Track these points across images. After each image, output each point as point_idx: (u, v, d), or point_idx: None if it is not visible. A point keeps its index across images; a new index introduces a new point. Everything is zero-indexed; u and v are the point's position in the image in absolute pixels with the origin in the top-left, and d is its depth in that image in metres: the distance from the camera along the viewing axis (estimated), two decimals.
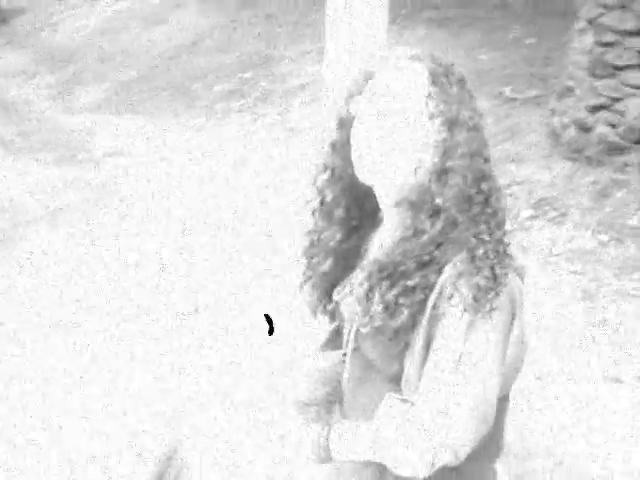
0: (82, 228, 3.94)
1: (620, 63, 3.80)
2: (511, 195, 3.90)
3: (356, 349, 1.25)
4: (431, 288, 1.07)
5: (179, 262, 3.56)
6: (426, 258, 1.08)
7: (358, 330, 1.21)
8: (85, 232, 3.88)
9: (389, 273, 1.10)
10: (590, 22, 3.93)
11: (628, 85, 3.80)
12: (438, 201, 1.08)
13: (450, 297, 1.06)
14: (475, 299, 1.04)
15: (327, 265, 1.25)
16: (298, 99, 6.07)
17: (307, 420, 1.27)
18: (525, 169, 4.16)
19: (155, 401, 2.39)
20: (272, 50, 7.35)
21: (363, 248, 1.26)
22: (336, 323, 1.36)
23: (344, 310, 1.28)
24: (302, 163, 4.97)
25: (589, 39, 3.92)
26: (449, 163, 1.08)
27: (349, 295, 1.24)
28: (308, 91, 6.14)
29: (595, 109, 3.95)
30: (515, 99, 5.28)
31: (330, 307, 1.33)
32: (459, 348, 1.05)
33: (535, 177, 4.07)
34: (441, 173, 1.09)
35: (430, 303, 1.07)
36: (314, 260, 1.26)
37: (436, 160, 1.09)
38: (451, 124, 1.09)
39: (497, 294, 1.05)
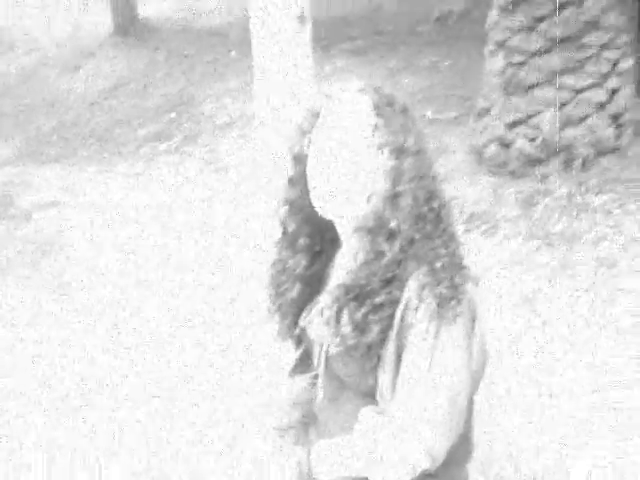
0: (24, 282, 3.86)
1: (531, 81, 4.03)
2: None
3: (328, 370, 1.30)
4: (397, 302, 1.14)
5: (123, 304, 3.53)
6: (389, 276, 1.15)
7: (328, 351, 1.26)
8: (28, 284, 3.81)
9: (356, 294, 1.16)
10: (499, 45, 4.16)
11: (540, 101, 4.03)
12: (393, 224, 1.15)
13: (416, 308, 1.12)
14: (439, 307, 1.11)
15: (295, 292, 1.30)
16: (226, 137, 6.12)
17: (287, 444, 1.31)
18: (454, 187, 4.33)
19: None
20: (194, 90, 7.39)
21: (326, 272, 1.32)
22: (302, 348, 1.41)
23: (312, 333, 1.33)
24: (233, 198, 5.01)
25: (500, 61, 4.15)
26: (399, 188, 1.16)
27: (317, 318, 1.29)
28: (236, 128, 6.20)
29: (512, 125, 4.17)
30: (438, 120, 5.49)
31: (297, 332, 1.38)
32: (429, 356, 1.11)
33: (464, 194, 4.24)
34: (393, 198, 1.16)
35: (397, 316, 1.14)
36: (281, 289, 1.31)
37: (387, 187, 1.16)
38: (398, 152, 1.17)
39: (459, 302, 1.13)
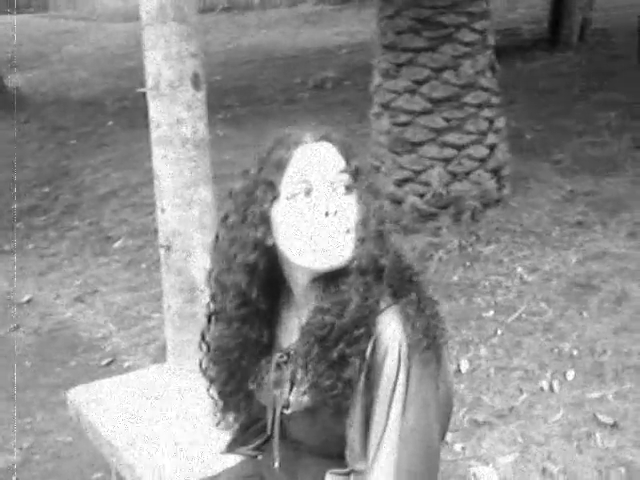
0: None
1: (416, 139, 4.21)
2: None
3: (283, 436, 1.22)
4: (370, 335, 1.09)
5: None
6: (367, 313, 1.10)
7: (283, 414, 1.19)
8: None
9: (328, 336, 1.11)
10: (384, 106, 4.33)
11: (427, 158, 4.21)
12: (383, 262, 1.11)
13: (385, 352, 1.08)
14: (410, 349, 1.08)
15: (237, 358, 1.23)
16: (109, 207, 5.90)
17: None
18: None
19: None
20: (71, 161, 7.13)
21: (266, 335, 1.24)
22: (241, 421, 1.33)
23: (264, 398, 1.25)
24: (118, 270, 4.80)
25: (386, 121, 4.31)
26: (382, 227, 1.13)
27: (271, 379, 1.22)
28: (119, 197, 6.00)
29: (402, 182, 4.31)
30: None
31: (238, 400, 1.29)
32: (400, 403, 1.06)
33: None
34: (379, 237, 1.13)
35: (368, 352, 1.09)
36: (224, 357, 1.23)
37: (374, 227, 1.14)
38: (375, 193, 1.17)
39: (429, 346, 1.09)
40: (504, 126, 4.43)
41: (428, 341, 1.09)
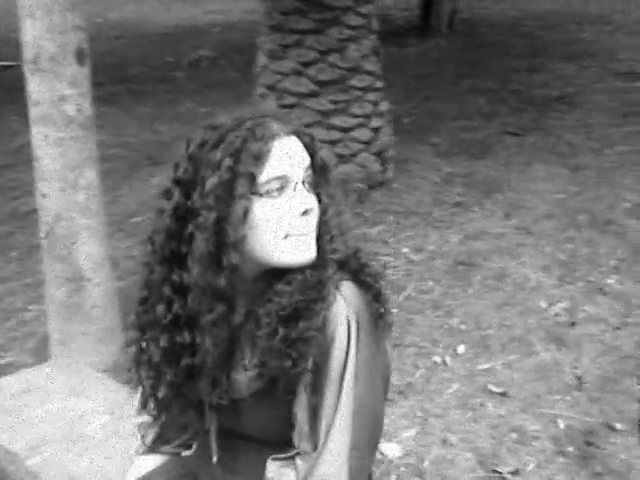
0: None
1: (303, 122, 4.19)
2: None
3: (219, 428, 1.19)
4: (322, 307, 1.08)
5: None
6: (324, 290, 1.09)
7: (220, 406, 1.16)
8: None
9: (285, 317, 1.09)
10: (270, 88, 4.29)
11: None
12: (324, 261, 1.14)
13: (335, 329, 1.07)
14: (360, 320, 1.08)
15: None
16: None
17: None
18: None
19: None
20: None
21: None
22: (163, 418, 1.28)
23: (194, 392, 1.19)
24: None
25: (272, 102, 4.28)
26: (335, 229, 1.17)
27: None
28: None
29: None
30: None
31: (162, 396, 1.23)
32: (352, 378, 1.06)
33: None
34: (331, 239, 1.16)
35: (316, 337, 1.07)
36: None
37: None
38: (331, 190, 1.19)
39: (377, 320, 1.10)
40: (387, 110, 4.54)
41: (377, 315, 1.10)
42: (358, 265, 1.14)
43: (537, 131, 5.51)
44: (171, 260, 1.11)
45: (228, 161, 1.07)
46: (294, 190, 1.09)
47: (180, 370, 1.15)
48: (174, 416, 1.26)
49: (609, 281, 3.39)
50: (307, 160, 1.12)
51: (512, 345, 2.92)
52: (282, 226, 1.09)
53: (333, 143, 4.22)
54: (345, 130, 4.25)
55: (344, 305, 1.08)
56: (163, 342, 1.13)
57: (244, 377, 1.13)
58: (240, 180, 1.07)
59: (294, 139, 1.12)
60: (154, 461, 1.32)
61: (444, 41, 8.66)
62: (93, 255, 2.91)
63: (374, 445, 1.10)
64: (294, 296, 1.08)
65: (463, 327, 3.08)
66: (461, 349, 2.91)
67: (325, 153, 1.17)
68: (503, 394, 2.61)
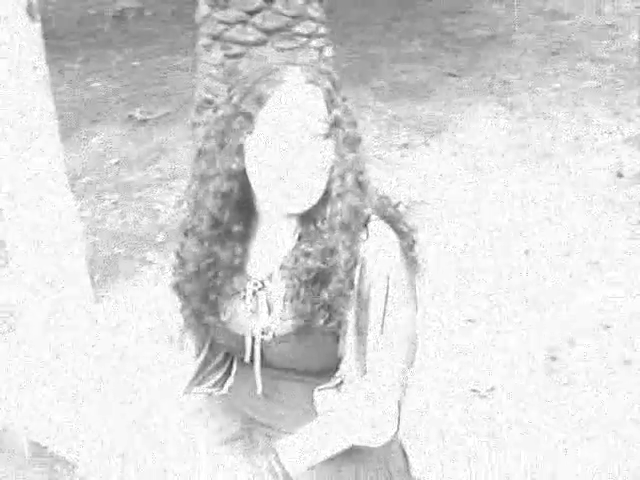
0: None
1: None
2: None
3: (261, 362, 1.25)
4: (355, 262, 1.15)
5: None
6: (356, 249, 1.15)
7: (263, 340, 1.22)
8: None
9: (310, 280, 1.15)
10: (215, 37, 4.23)
11: None
12: (367, 211, 1.18)
13: (372, 283, 1.14)
14: (400, 256, 1.15)
15: (230, 283, 1.23)
16: None
17: (242, 456, 1.24)
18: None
19: None
20: None
21: (237, 258, 1.24)
22: (206, 352, 1.34)
23: (236, 326, 1.25)
24: None
25: (218, 53, 4.23)
26: (362, 177, 1.19)
27: (245, 307, 1.24)
28: None
29: None
30: (146, 120, 5.39)
31: (206, 329, 1.30)
32: (393, 309, 1.15)
33: None
34: (362, 187, 1.19)
35: (355, 279, 1.15)
36: (210, 284, 1.23)
37: (354, 178, 1.18)
38: (354, 144, 1.18)
39: (411, 247, 1.19)
40: (332, 55, 4.55)
41: (412, 262, 1.18)
42: (395, 213, 1.21)
43: (473, 71, 5.66)
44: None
45: (236, 98, 1.16)
46: (293, 137, 1.12)
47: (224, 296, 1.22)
48: (215, 352, 1.33)
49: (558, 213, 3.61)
50: (322, 112, 1.14)
51: None
52: (273, 169, 1.13)
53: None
54: None
55: (382, 255, 1.15)
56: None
57: (275, 318, 1.20)
58: (238, 117, 1.14)
59: (310, 87, 1.14)
60: (192, 402, 1.38)
61: None
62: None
63: (411, 365, 1.19)
64: (316, 261, 1.14)
65: None
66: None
67: (341, 111, 1.16)
68: None
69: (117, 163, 4.69)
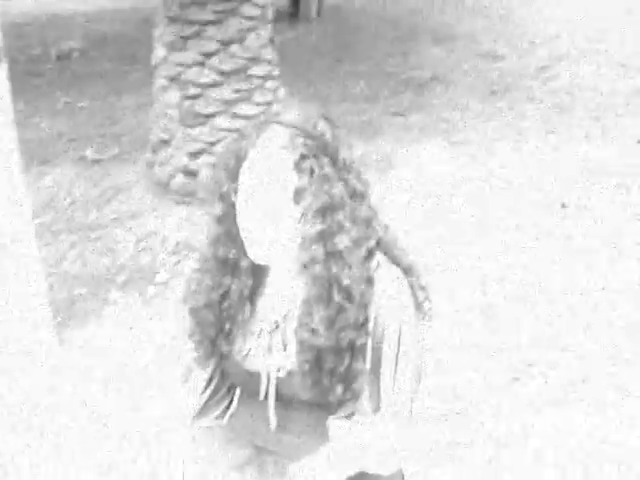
0: None
1: (208, 112, 4.29)
2: (148, 249, 4.04)
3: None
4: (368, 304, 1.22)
5: None
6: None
7: (278, 378, 1.28)
8: None
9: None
10: (172, 79, 4.32)
11: (220, 129, 4.31)
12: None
13: (385, 325, 1.22)
14: (410, 312, 1.24)
15: (244, 314, 1.29)
16: None
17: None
18: (147, 222, 4.34)
19: None
20: None
21: (247, 291, 1.30)
22: (214, 383, 1.39)
23: (252, 363, 1.31)
24: None
25: (175, 94, 4.31)
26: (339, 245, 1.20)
27: (262, 344, 1.30)
28: None
29: (195, 155, 4.37)
30: (99, 160, 5.38)
31: (215, 365, 1.35)
32: (404, 357, 1.24)
33: (159, 227, 4.29)
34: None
35: (372, 315, 1.22)
36: (224, 314, 1.28)
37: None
38: (323, 212, 1.18)
39: (428, 299, 1.28)
40: (285, 96, 4.70)
41: (417, 304, 1.26)
42: (392, 243, 1.28)
43: (418, 110, 5.90)
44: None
45: (233, 163, 1.24)
46: (252, 194, 1.19)
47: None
48: (220, 386, 1.38)
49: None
50: (285, 178, 1.16)
51: None
52: (240, 224, 1.22)
53: (238, 132, 4.32)
54: (249, 118, 4.36)
55: (392, 307, 1.22)
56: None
57: (288, 355, 1.26)
58: (227, 180, 1.25)
59: (277, 155, 1.17)
60: (199, 433, 1.41)
61: (315, 27, 8.91)
62: None
63: (417, 391, 1.28)
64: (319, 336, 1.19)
65: None
66: None
67: (307, 181, 1.17)
68: None
69: (72, 204, 4.66)
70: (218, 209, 1.25)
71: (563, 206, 4.17)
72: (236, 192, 1.21)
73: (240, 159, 1.21)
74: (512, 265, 3.56)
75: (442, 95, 6.25)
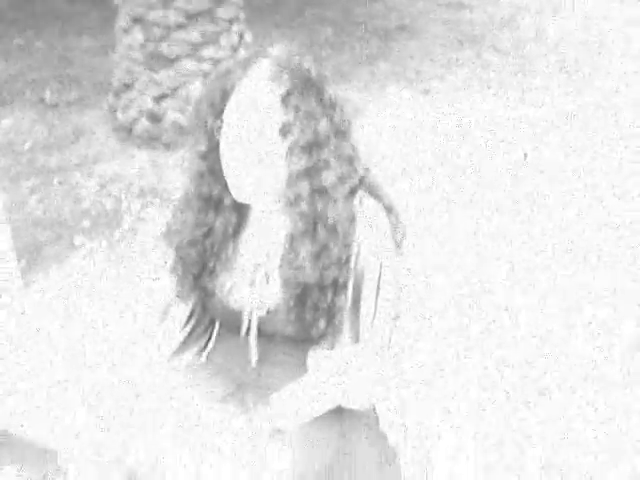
0: None
1: (173, 55, 4.18)
2: (113, 194, 3.97)
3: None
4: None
5: None
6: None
7: (259, 315, 1.30)
8: None
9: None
10: (135, 20, 4.19)
11: (184, 73, 4.22)
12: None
13: (366, 256, 1.24)
14: (390, 249, 1.26)
15: (228, 252, 1.29)
16: None
17: (235, 414, 1.31)
18: (110, 167, 4.26)
19: None
20: None
21: (231, 227, 1.30)
22: (194, 318, 1.40)
23: (234, 300, 1.32)
24: None
25: (139, 35, 4.19)
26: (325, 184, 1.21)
27: (246, 282, 1.30)
28: None
29: (160, 99, 4.27)
30: (58, 103, 5.23)
31: (197, 300, 1.36)
32: (384, 282, 1.26)
33: (124, 172, 4.21)
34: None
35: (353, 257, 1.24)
36: (209, 252, 1.28)
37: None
38: (310, 148, 1.18)
39: (396, 229, 1.29)
40: (251, 41, 4.60)
41: (394, 229, 1.28)
42: (374, 184, 1.30)
43: (385, 59, 5.85)
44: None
45: (209, 88, 1.25)
46: (237, 131, 1.18)
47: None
48: (201, 322, 1.39)
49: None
50: (274, 112, 1.15)
51: None
52: (224, 159, 1.21)
53: (205, 75, 4.24)
54: (215, 61, 4.27)
55: (369, 228, 1.24)
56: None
57: (276, 287, 1.28)
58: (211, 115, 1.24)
59: (267, 87, 1.16)
60: (180, 368, 1.42)
61: None
62: None
63: (398, 317, 1.30)
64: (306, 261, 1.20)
65: None
66: None
67: (293, 116, 1.16)
68: None
69: (31, 147, 4.54)
70: (202, 145, 1.23)
71: (525, 157, 4.23)
72: (220, 128, 1.20)
73: (226, 94, 1.19)
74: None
75: (408, 44, 6.20)
